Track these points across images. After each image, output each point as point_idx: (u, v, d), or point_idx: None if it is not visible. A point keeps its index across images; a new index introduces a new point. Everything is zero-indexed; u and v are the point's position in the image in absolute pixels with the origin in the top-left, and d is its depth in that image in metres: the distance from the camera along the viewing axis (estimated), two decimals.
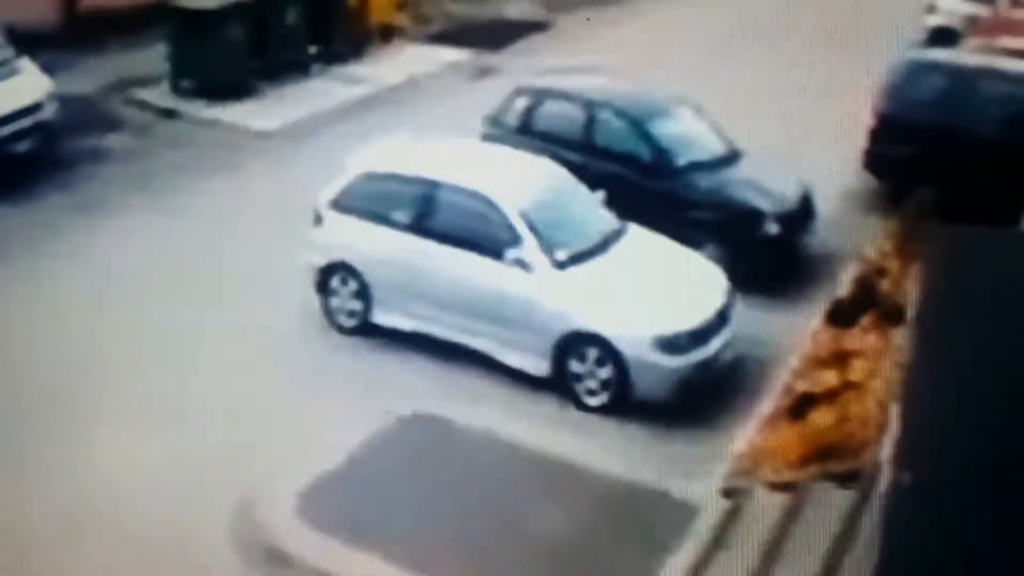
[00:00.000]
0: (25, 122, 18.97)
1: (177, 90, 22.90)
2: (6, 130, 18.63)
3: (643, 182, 16.26)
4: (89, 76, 23.35)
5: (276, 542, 11.11)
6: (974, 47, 22.06)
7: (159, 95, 22.91)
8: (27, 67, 19.64)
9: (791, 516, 10.99)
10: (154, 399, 13.21)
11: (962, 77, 18.73)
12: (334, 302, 14.90)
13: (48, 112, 19.50)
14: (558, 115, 17.33)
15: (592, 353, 13.37)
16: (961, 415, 7.47)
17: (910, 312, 9.66)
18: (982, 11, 25.55)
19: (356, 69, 25.16)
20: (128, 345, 14.26)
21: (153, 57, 23.55)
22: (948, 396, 7.64)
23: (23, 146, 18.96)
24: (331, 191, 15.01)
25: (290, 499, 11.52)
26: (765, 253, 15.96)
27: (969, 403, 7.58)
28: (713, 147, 17.01)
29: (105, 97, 22.83)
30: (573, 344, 13.46)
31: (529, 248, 13.80)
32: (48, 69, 20.54)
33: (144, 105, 22.63)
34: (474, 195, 14.25)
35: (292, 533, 11.17)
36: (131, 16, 24.47)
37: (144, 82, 23.35)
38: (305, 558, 10.93)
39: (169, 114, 22.28)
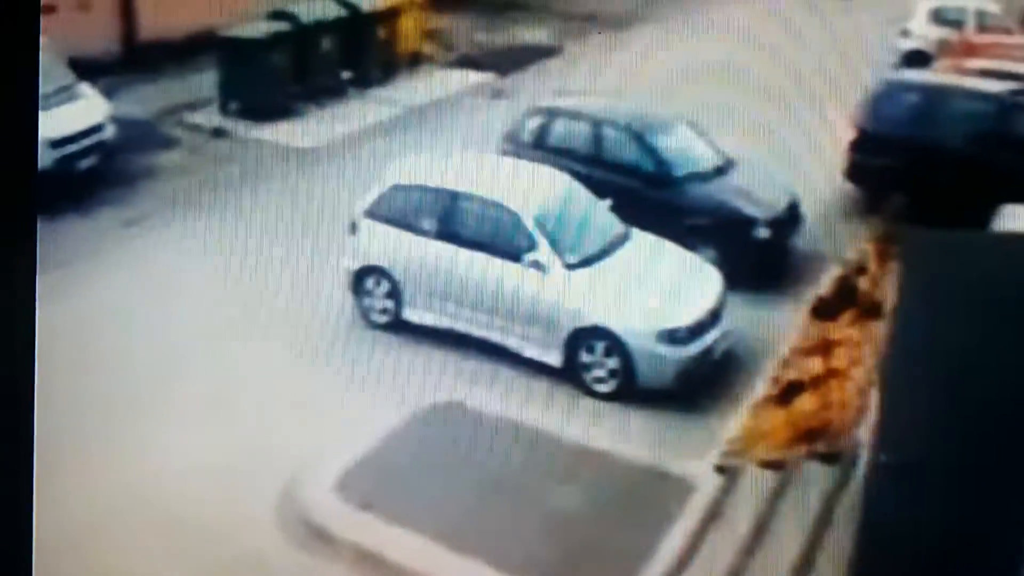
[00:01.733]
0: (87, 142, 19.00)
1: (225, 112, 22.93)
2: (70, 149, 18.67)
3: (646, 191, 16.28)
4: (145, 100, 23.38)
5: (318, 521, 11.15)
6: (944, 68, 22.03)
7: (209, 117, 22.92)
8: (89, 92, 19.70)
9: (780, 491, 11.03)
10: (204, 393, 13.22)
11: (933, 95, 18.74)
12: (367, 302, 14.96)
13: (108, 133, 19.54)
14: (569, 132, 17.34)
15: (601, 345, 13.44)
16: (934, 400, 7.50)
17: (887, 307, 9.68)
18: (951, 35, 25.54)
19: (387, 92, 25.16)
20: (179, 343, 14.25)
21: (204, 82, 23.57)
22: (923, 383, 7.68)
23: (85, 163, 19.00)
24: (365, 201, 15.07)
25: (330, 482, 11.57)
26: (756, 255, 15.97)
27: (941, 389, 7.61)
28: (709, 159, 17.02)
29: (160, 119, 22.83)
30: (583, 337, 13.53)
31: (544, 251, 13.86)
32: (108, 94, 20.61)
33: (195, 126, 22.65)
34: (494, 204, 14.32)
35: (333, 512, 11.22)
36: (185, 45, 24.52)
37: (196, 105, 23.35)
38: (345, 535, 10.99)
39: (218, 133, 22.29)
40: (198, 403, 13.03)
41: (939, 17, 26.71)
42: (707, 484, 11.54)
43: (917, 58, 25.50)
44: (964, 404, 7.55)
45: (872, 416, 8.21)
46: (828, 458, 11.18)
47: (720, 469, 11.73)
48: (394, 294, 14.76)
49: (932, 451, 7.13)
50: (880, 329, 11.80)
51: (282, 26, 23.51)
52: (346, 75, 24.84)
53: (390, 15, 26.21)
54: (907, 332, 8.47)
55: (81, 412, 12.76)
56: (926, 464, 7.01)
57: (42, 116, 19.10)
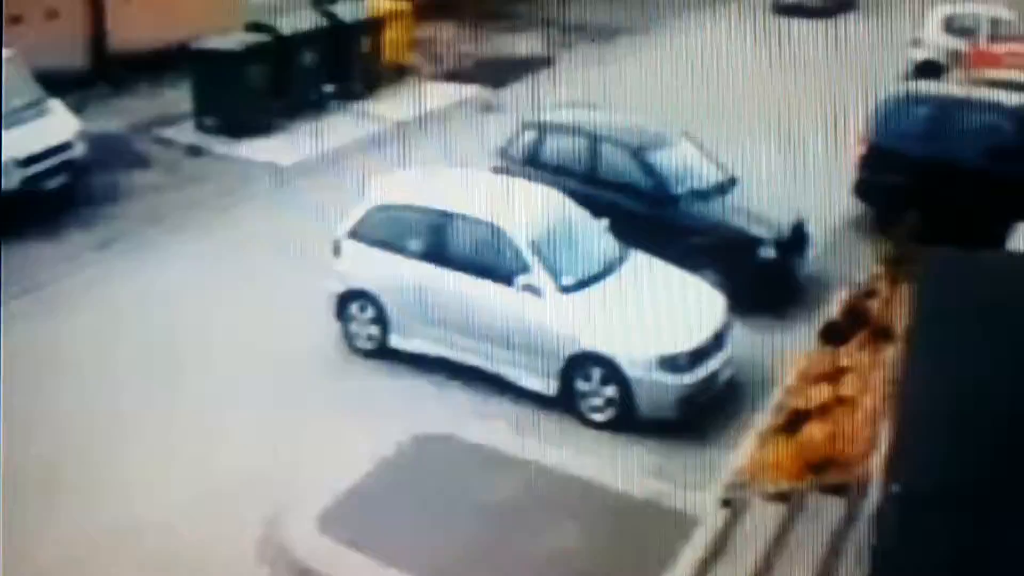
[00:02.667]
0: (55, 160, 19.04)
1: (201, 128, 23.00)
2: (37, 168, 18.71)
3: (644, 210, 16.32)
4: (117, 116, 23.49)
5: (302, 558, 11.14)
6: (958, 79, 22.15)
7: (183, 133, 23.02)
8: (57, 108, 19.75)
9: (787, 525, 11.04)
10: (180, 425, 13.23)
11: (946, 108, 18.84)
12: (353, 327, 14.98)
13: (77, 151, 19.59)
14: (563, 147, 17.39)
15: (597, 372, 13.45)
16: (949, 429, 7.50)
17: (899, 331, 9.71)
18: (963, 45, 25.68)
19: (371, 106, 25.27)
20: (151, 372, 14.24)
21: (178, 97, 23.69)
22: (937, 410, 7.68)
23: (53, 183, 19.03)
24: (349, 222, 15.10)
25: (314, 517, 11.56)
26: (761, 277, 16.00)
27: (956, 417, 7.61)
28: (710, 176, 17.08)
29: (132, 135, 22.92)
30: (579, 364, 13.54)
31: (537, 274, 13.88)
32: (77, 109, 20.69)
33: (169, 143, 22.73)
34: (484, 224, 14.34)
35: (316, 550, 11.21)
36: (156, 58, 24.62)
37: (169, 121, 23.46)
38: (330, 573, 10.97)
39: (193, 151, 22.37)
40: (175, 434, 13.04)
41: (952, 26, 26.90)
42: (711, 518, 11.55)
43: (929, 69, 25.65)
44: (980, 432, 7.55)
45: (883, 445, 8.22)
46: (837, 490, 11.20)
47: (725, 502, 11.74)
48: (380, 319, 14.78)
49: (947, 482, 7.12)
50: (891, 354, 11.83)
51: (260, 38, 23.59)
52: (328, 89, 24.94)
53: (374, 26, 26.36)
54: (920, 357, 8.48)
55: (52, 443, 12.78)
56: (940, 496, 7.00)
57: (8, 134, 19.22)
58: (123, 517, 11.63)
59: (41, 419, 13.20)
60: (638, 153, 16.91)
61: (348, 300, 14.98)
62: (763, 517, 11.30)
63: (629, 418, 13.37)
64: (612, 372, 13.37)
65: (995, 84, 20.24)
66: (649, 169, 16.75)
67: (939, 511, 6.84)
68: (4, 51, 18.55)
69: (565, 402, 13.66)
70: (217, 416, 13.34)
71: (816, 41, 28.80)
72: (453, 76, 28.15)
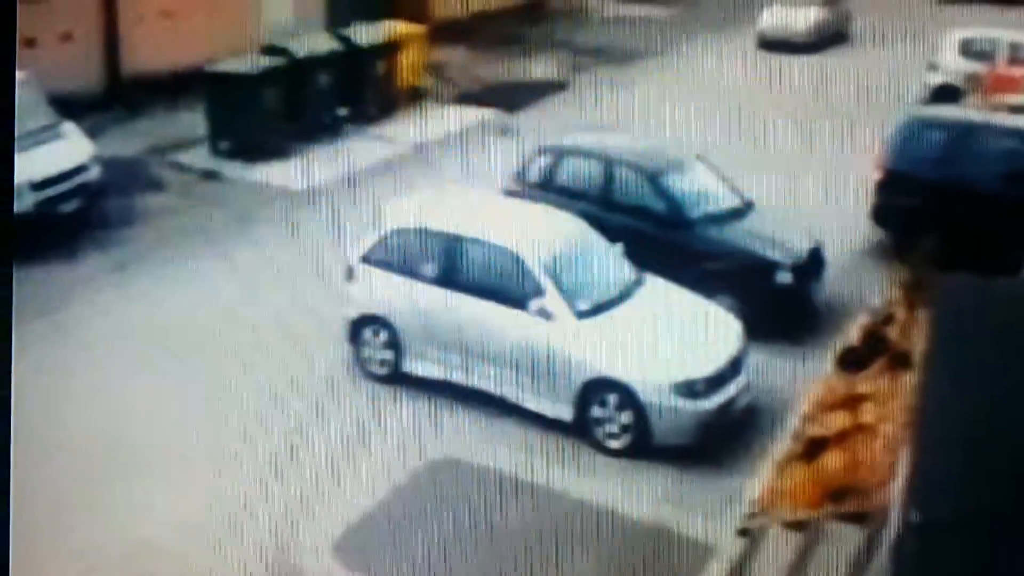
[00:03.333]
0: (70, 183, 19.09)
1: (215, 151, 23.05)
2: (51, 191, 18.77)
3: (659, 234, 16.29)
4: (131, 139, 23.54)
5: None
6: (975, 103, 22.11)
7: (198, 157, 23.06)
8: (72, 131, 19.80)
9: (805, 554, 10.98)
10: (195, 450, 13.21)
11: (963, 132, 18.76)
12: (366, 352, 14.97)
13: (92, 174, 19.63)
14: (578, 171, 17.38)
15: (613, 398, 13.41)
16: (967, 456, 7.47)
17: (917, 357, 9.67)
18: (981, 69, 25.65)
19: (386, 129, 25.31)
20: (164, 395, 14.26)
21: (192, 120, 23.75)
22: (954, 438, 7.65)
23: (68, 206, 19.09)
24: (363, 246, 15.10)
25: (328, 545, 11.51)
26: (777, 302, 15.95)
27: (976, 445, 7.58)
28: (726, 200, 17.04)
29: (147, 159, 22.97)
30: (594, 390, 13.50)
31: (552, 299, 13.86)
32: (92, 133, 20.75)
33: (183, 166, 22.77)
34: (499, 249, 14.33)
35: None
36: (171, 81, 24.70)
37: (184, 144, 23.51)
38: None
39: (208, 175, 22.41)
40: (187, 459, 13.02)
41: (969, 49, 26.86)
42: (727, 547, 11.49)
43: (945, 93, 25.60)
44: (999, 460, 7.52)
45: (903, 472, 8.18)
46: (856, 518, 11.13)
47: (742, 531, 11.68)
48: (394, 344, 14.76)
49: (966, 510, 7.09)
50: (910, 381, 11.79)
51: (275, 61, 23.65)
52: (343, 112, 24.98)
53: (389, 49, 26.41)
54: (939, 383, 8.45)
55: (64, 466, 12.77)
56: (960, 524, 6.97)
57: (23, 157, 19.28)
58: (134, 541, 11.60)
59: (54, 441, 13.20)
60: (653, 177, 16.88)
61: (361, 325, 14.97)
62: (780, 545, 11.24)
63: (645, 444, 13.32)
64: (628, 398, 13.33)
65: (1014, 109, 20.20)
66: (664, 193, 16.73)
67: (958, 539, 6.80)
68: (18, 74, 18.60)
69: (580, 428, 13.62)
70: (230, 441, 13.31)
71: (825, 73, 28.85)
72: (468, 100, 28.19)
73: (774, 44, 33.08)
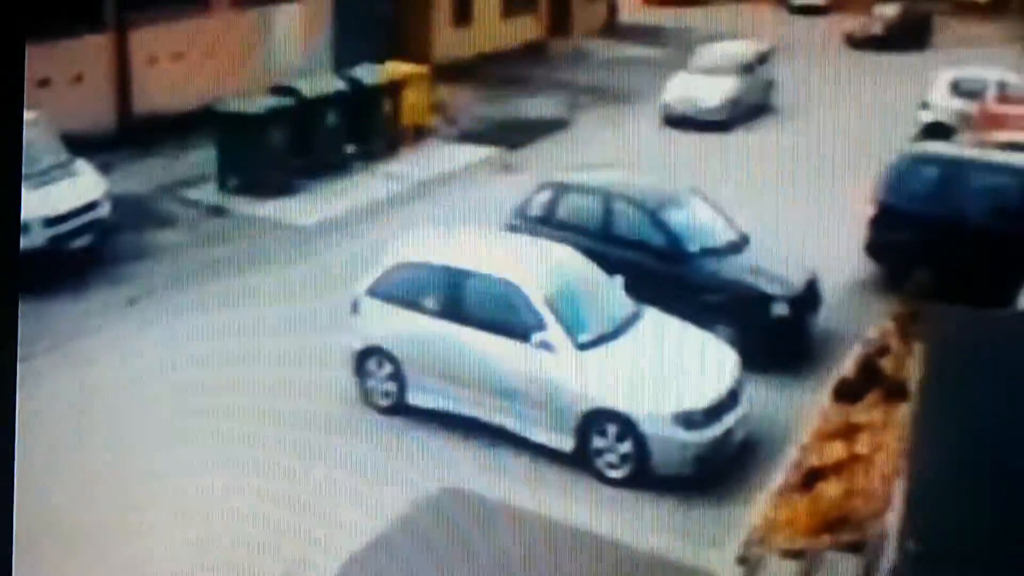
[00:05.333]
0: (81, 220, 19.07)
1: (224, 188, 23.04)
2: (64, 227, 18.74)
3: (658, 268, 16.27)
4: (142, 176, 23.54)
5: None
6: (966, 141, 22.12)
7: (207, 193, 23.04)
8: (84, 169, 19.81)
9: None
10: (197, 480, 13.13)
11: (955, 168, 18.76)
12: (370, 384, 14.90)
13: (103, 210, 19.61)
14: (579, 206, 17.37)
15: (613, 429, 13.33)
16: (963, 485, 7.40)
17: (912, 388, 9.62)
18: (971, 107, 25.70)
19: (391, 166, 25.30)
20: (171, 428, 14.16)
21: (202, 158, 23.74)
22: (951, 467, 7.58)
23: (80, 242, 19.06)
24: (368, 280, 15.06)
25: (331, 574, 11.43)
26: (774, 334, 15.90)
27: (971, 474, 7.51)
28: (723, 234, 17.02)
29: (157, 196, 22.96)
30: (595, 421, 13.43)
31: (553, 331, 13.81)
32: (104, 170, 20.74)
33: (193, 203, 22.77)
34: (501, 282, 14.29)
35: None
36: (181, 120, 24.71)
37: (193, 182, 23.51)
38: None
39: (216, 211, 22.40)
40: (192, 490, 12.93)
41: (959, 88, 26.92)
42: (726, 575, 11.40)
43: (937, 130, 25.63)
44: (995, 489, 7.46)
45: (898, 502, 8.11)
46: (853, 547, 11.07)
47: (740, 560, 11.59)
48: (397, 376, 14.69)
49: (963, 540, 7.02)
50: (905, 411, 11.72)
51: (283, 101, 23.69)
52: (350, 150, 25.01)
53: (394, 88, 26.47)
54: (933, 414, 8.40)
55: (70, 497, 12.68)
56: (957, 553, 6.90)
57: (36, 194, 19.25)
58: (138, 571, 11.51)
59: (61, 473, 13.12)
60: (652, 212, 16.87)
61: (366, 357, 14.91)
62: (779, 574, 11.15)
63: (645, 474, 13.24)
64: (628, 429, 13.25)
65: (1004, 146, 20.20)
66: (663, 227, 16.71)
67: (954, 568, 6.73)
68: (30, 113, 18.63)
69: (581, 458, 13.53)
70: (235, 472, 13.23)
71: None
72: (471, 138, 28.20)
73: (680, 121, 27.98)
